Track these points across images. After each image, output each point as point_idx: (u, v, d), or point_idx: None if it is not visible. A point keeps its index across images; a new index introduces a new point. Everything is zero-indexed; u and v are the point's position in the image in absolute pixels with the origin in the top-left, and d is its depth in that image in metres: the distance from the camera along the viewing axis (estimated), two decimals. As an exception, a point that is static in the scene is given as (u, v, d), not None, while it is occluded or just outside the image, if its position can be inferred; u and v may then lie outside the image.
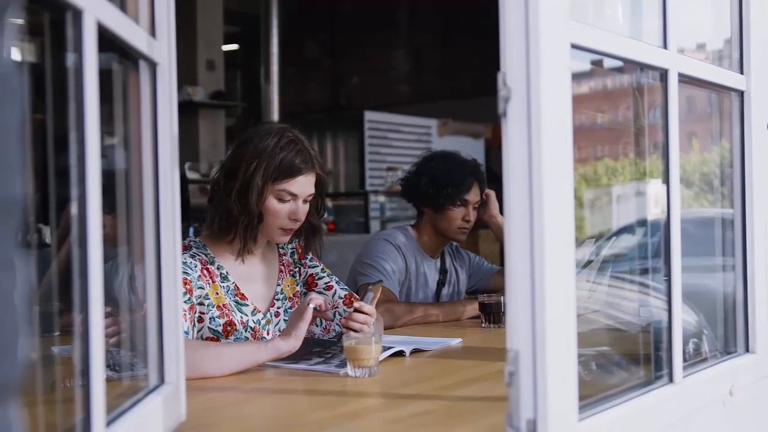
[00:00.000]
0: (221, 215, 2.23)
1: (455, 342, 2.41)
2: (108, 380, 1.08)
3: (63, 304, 1.24)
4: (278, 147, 2.19)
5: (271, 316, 2.33)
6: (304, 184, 2.24)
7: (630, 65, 1.62)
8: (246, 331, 2.24)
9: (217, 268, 2.26)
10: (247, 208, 2.19)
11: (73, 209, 1.01)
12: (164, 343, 1.41)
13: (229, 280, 2.26)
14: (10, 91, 0.57)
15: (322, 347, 2.21)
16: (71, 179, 1.03)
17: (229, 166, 2.25)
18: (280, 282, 2.39)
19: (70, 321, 1.11)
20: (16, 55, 0.59)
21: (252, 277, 2.33)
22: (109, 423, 1.09)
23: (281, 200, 2.22)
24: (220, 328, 2.20)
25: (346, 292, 2.44)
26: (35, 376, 1.13)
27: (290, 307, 2.38)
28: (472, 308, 2.88)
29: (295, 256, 2.46)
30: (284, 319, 2.35)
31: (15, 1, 0.59)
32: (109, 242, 1.18)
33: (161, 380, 1.40)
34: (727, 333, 1.89)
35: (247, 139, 2.24)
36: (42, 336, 1.43)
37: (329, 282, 2.46)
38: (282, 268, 2.41)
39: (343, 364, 1.96)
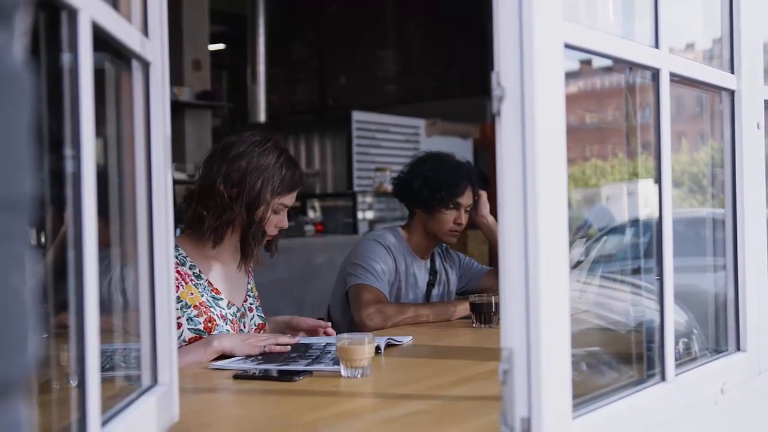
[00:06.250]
0: (224, 224, 2.32)
1: (407, 340, 2.41)
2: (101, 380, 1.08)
3: (54, 304, 1.23)
4: (280, 164, 2.34)
5: (245, 310, 2.45)
6: (295, 197, 2.42)
7: (619, 65, 1.63)
8: (226, 324, 2.34)
9: (189, 268, 2.34)
10: (255, 222, 2.32)
11: (69, 211, 1.00)
12: (157, 344, 1.40)
13: (202, 278, 2.35)
14: (19, 90, 0.58)
15: (303, 350, 2.20)
16: (63, 179, 1.02)
17: (226, 175, 2.30)
18: (250, 281, 2.52)
19: (61, 322, 1.11)
20: (24, 54, 0.59)
21: (224, 274, 2.42)
22: (103, 423, 1.09)
23: (275, 212, 2.36)
24: (201, 326, 2.28)
25: (261, 321, 2.54)
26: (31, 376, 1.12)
27: (258, 305, 2.52)
28: (463, 308, 2.89)
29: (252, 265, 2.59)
30: (257, 315, 2.49)
31: (24, 1, 0.59)
32: (100, 243, 1.17)
33: (154, 381, 1.40)
34: (718, 332, 1.90)
35: (243, 153, 2.32)
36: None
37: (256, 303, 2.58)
38: (250, 270, 2.54)
39: (336, 362, 1.96)
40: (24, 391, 0.59)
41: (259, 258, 2.48)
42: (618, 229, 2.26)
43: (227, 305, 2.37)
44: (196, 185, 2.38)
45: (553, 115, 1.21)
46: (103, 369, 1.13)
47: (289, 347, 2.20)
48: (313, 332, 2.48)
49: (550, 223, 1.20)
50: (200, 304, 2.30)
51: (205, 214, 2.31)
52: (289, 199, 2.38)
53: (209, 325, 2.28)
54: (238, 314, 2.41)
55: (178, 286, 2.25)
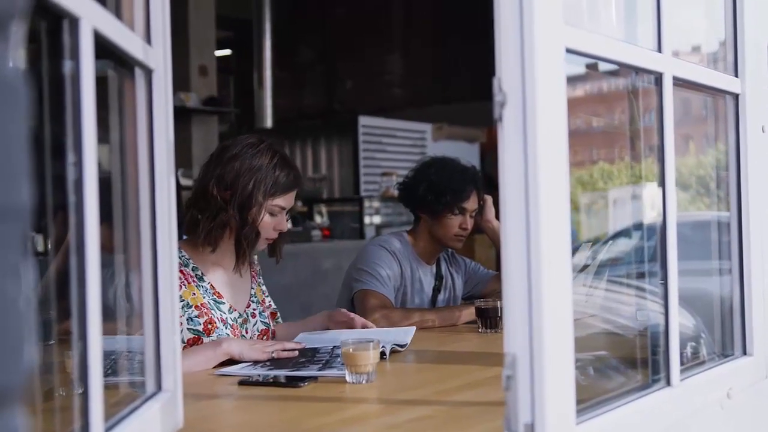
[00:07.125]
0: (218, 227, 2.32)
1: (411, 331, 2.46)
2: (105, 387, 1.08)
3: (59, 312, 1.24)
4: (273, 165, 2.34)
5: (248, 316, 2.45)
6: (292, 199, 2.41)
7: (625, 69, 1.63)
8: (226, 327, 2.33)
9: (192, 270, 2.35)
10: (247, 224, 2.31)
11: (71, 217, 1.01)
12: (161, 351, 1.40)
13: (205, 281, 2.36)
14: (16, 99, 0.58)
15: (310, 355, 2.20)
16: (67, 187, 1.03)
17: (219, 177, 2.32)
18: (253, 286, 2.52)
19: (66, 329, 1.11)
20: (20, 63, 0.60)
21: (226, 279, 2.42)
22: (107, 430, 1.09)
23: (272, 214, 2.36)
24: (200, 327, 2.28)
25: (264, 327, 2.53)
26: (34, 383, 1.13)
27: (262, 311, 2.51)
28: (468, 313, 2.88)
29: (258, 268, 2.60)
30: (261, 321, 2.48)
31: (20, 10, 0.59)
32: (105, 250, 1.18)
33: (158, 388, 1.40)
34: (724, 336, 1.89)
35: (237, 155, 2.33)
36: (38, 344, 1.42)
37: (270, 302, 2.61)
38: (253, 274, 2.54)
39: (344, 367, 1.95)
40: (21, 399, 0.59)
41: (252, 258, 2.49)
42: (625, 233, 2.26)
43: (229, 310, 2.37)
44: (193, 190, 2.39)
45: (554, 119, 1.21)
46: (106, 374, 1.13)
47: (297, 353, 2.20)
48: (349, 325, 2.51)
49: (552, 228, 1.20)
50: (201, 305, 2.30)
51: (199, 218, 2.31)
52: (285, 201, 2.36)
53: (209, 326, 2.28)
54: (240, 320, 2.41)
55: (180, 285, 2.25)
